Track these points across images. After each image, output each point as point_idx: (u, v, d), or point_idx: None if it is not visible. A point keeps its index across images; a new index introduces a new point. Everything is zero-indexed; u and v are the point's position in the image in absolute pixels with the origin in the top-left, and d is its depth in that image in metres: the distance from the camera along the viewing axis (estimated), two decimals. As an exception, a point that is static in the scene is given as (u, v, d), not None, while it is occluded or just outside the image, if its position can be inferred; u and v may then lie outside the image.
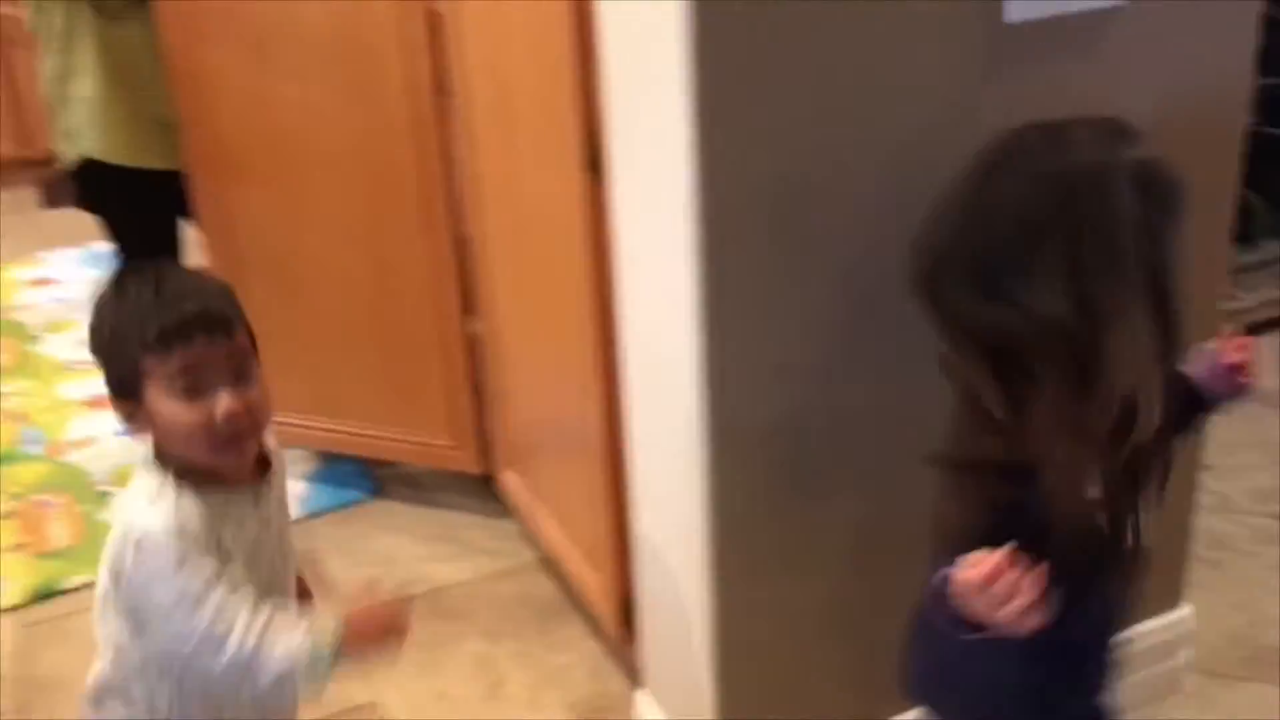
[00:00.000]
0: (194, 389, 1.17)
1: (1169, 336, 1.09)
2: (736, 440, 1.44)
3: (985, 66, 1.37)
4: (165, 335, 1.15)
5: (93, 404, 2.98)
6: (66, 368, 3.21)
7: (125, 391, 1.20)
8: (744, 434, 1.44)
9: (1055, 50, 1.40)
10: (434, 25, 1.99)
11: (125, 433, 1.26)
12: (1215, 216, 1.62)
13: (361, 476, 2.60)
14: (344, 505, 2.53)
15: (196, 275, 1.27)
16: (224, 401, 1.17)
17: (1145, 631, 1.82)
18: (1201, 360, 1.25)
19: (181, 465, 1.21)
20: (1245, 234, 2.57)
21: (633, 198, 1.50)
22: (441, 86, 2.03)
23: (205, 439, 1.18)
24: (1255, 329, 2.79)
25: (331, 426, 2.44)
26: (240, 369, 1.20)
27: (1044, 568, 1.00)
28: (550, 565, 2.23)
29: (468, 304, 2.22)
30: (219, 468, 1.22)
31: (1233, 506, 2.35)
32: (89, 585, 2.17)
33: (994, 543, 1.01)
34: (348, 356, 2.38)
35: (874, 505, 1.55)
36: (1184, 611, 1.86)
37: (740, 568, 1.52)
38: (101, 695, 1.31)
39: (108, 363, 1.21)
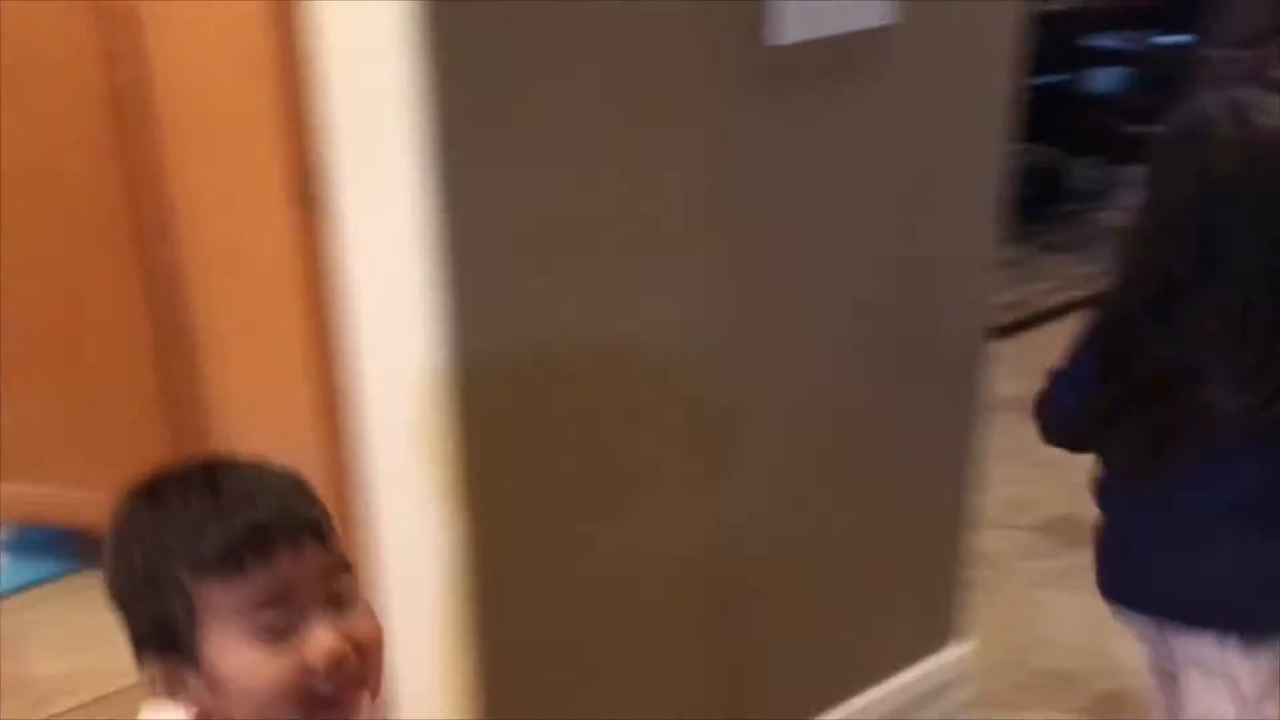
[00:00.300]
0: (280, 626, 0.82)
1: None
2: (486, 491, 1.28)
3: (751, 89, 1.30)
4: (234, 550, 0.81)
5: None
6: None
7: (165, 643, 0.84)
8: (494, 481, 1.29)
9: (825, 71, 1.34)
10: (112, 27, 1.74)
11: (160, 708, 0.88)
12: (984, 217, 1.58)
13: (61, 546, 2.30)
14: (39, 582, 2.26)
15: (259, 467, 0.89)
16: (322, 639, 0.82)
17: (918, 675, 1.75)
18: None
19: None
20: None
21: (358, 235, 1.29)
22: (124, 97, 1.77)
23: (299, 699, 0.82)
24: (1004, 330, 2.82)
25: (23, 489, 2.15)
26: (337, 590, 0.85)
27: None
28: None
29: (173, 342, 1.95)
30: None
31: (992, 520, 2.33)
32: None
33: None
34: (39, 408, 2.09)
35: (640, 535, 1.43)
36: (959, 650, 1.80)
37: (498, 644, 1.36)
38: None
39: (138, 603, 0.85)
